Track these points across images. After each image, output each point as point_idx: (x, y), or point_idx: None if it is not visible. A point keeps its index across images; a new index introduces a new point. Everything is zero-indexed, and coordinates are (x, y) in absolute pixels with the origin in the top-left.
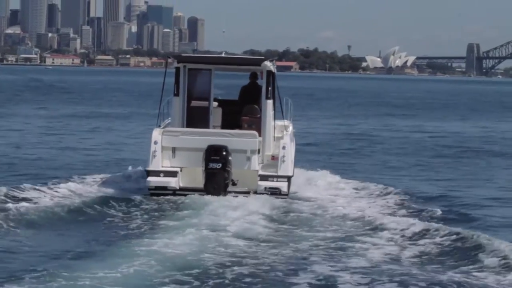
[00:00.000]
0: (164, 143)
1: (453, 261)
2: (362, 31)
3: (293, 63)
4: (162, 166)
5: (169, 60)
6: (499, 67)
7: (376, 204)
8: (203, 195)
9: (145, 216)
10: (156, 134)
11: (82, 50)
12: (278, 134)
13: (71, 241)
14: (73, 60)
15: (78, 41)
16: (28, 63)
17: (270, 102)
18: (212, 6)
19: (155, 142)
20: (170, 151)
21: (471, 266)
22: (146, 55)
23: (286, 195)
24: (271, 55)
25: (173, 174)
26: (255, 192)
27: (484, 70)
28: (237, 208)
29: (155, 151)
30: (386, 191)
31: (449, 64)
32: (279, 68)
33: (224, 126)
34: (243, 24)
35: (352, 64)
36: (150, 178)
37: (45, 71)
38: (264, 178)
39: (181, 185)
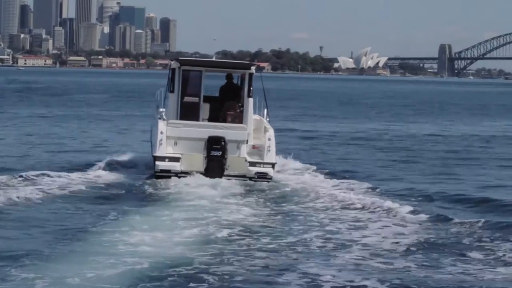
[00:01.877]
0: (169, 133)
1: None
2: (334, 32)
3: (265, 64)
4: (166, 153)
5: (172, 62)
6: (471, 68)
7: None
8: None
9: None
10: (162, 125)
11: (55, 51)
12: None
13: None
14: (45, 61)
15: (51, 42)
16: (0, 64)
17: (251, 99)
18: (184, 7)
19: (161, 132)
20: (173, 140)
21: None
22: (118, 56)
23: (271, 178)
24: (243, 56)
25: (176, 159)
26: (245, 176)
27: (456, 71)
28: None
29: (161, 140)
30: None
31: (421, 64)
32: None
33: (210, 119)
34: (215, 24)
35: (324, 65)
36: (158, 163)
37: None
38: (253, 164)
39: (182, 169)
